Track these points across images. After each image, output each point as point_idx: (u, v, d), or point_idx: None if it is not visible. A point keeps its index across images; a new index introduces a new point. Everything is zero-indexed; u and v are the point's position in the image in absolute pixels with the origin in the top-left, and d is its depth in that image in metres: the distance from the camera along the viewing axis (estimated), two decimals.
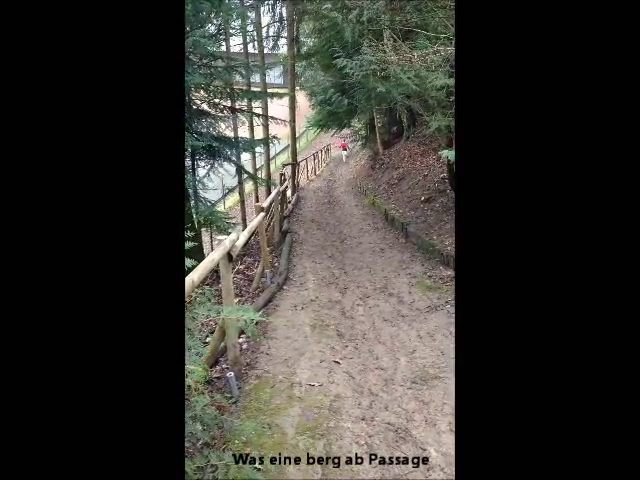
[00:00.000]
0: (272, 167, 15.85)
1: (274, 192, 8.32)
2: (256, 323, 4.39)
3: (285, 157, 18.53)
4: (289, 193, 13.14)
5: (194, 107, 7.30)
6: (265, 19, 16.15)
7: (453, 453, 2.40)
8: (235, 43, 15.60)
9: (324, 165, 22.48)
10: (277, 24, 16.27)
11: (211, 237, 8.81)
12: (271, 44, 17.17)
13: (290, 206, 11.72)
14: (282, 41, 16.76)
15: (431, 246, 6.41)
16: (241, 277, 6.61)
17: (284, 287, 5.60)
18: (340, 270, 6.43)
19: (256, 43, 14.49)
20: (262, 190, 13.99)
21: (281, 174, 11.25)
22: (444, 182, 8.53)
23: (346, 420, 2.74)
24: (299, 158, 19.22)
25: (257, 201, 12.10)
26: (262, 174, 14.57)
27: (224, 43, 10.87)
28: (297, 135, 28.53)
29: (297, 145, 30.55)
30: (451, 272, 5.56)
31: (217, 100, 7.48)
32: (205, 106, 7.49)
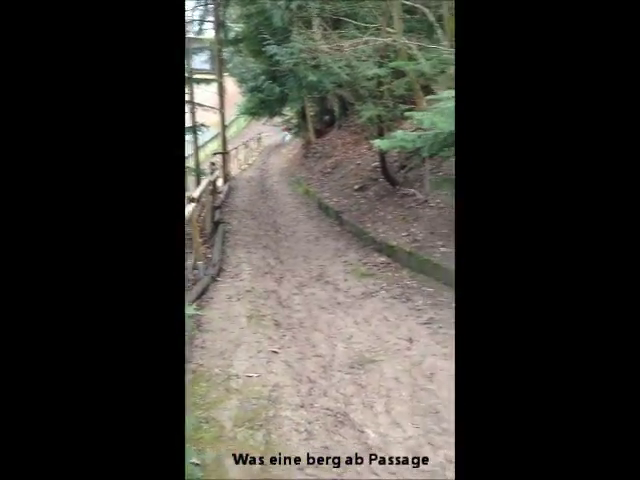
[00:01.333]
0: (201, 156, 15.45)
1: (204, 182, 8.13)
2: (189, 316, 4.30)
3: (215, 146, 18.16)
4: (220, 183, 12.87)
5: None
6: (190, 2, 15.62)
7: (390, 433, 2.47)
8: None
9: (256, 154, 22.22)
10: (202, 7, 15.78)
11: None
12: (196, 28, 16.67)
13: (222, 196, 11.51)
14: (208, 25, 16.30)
15: (365, 234, 6.52)
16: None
17: (218, 278, 5.50)
18: (275, 260, 6.40)
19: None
20: (191, 180, 13.63)
21: (211, 163, 10.99)
22: (376, 171, 8.68)
23: (285, 409, 2.74)
24: (230, 147, 18.87)
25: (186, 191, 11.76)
26: (190, 163, 14.19)
27: None
28: (227, 123, 27.92)
29: (227, 133, 29.91)
30: (385, 258, 5.69)
31: None
32: None
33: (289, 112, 17.36)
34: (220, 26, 14.31)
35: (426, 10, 5.56)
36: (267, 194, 12.52)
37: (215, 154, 14.25)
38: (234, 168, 18.15)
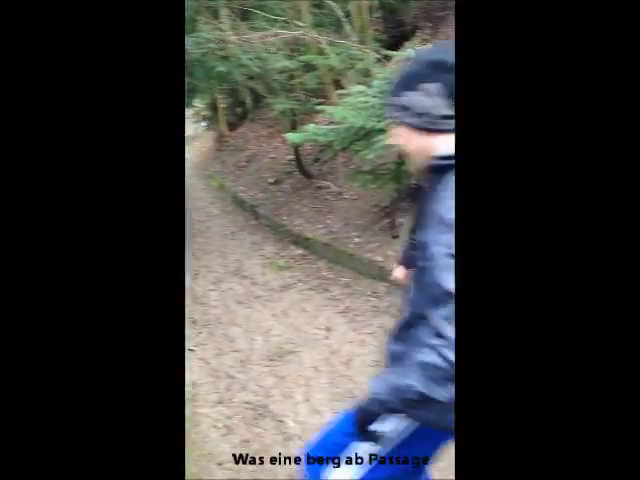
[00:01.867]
0: None
1: None
2: None
3: None
4: None
5: None
6: None
7: (308, 420, 2.53)
8: None
9: None
10: None
11: None
12: None
13: None
14: None
15: (281, 227, 6.54)
16: None
17: None
18: (189, 256, 6.26)
19: None
20: None
21: None
22: (291, 164, 8.71)
23: (203, 406, 2.71)
24: None
25: None
26: None
27: None
28: None
29: None
30: (302, 251, 5.75)
31: None
32: None
33: (200, 104, 16.94)
34: None
35: (334, 5, 5.65)
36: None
37: None
38: None
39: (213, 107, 15.86)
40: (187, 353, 3.36)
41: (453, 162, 1.06)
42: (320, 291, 4.44)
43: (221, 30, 6.31)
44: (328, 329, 3.61)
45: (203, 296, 4.70)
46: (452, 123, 1.09)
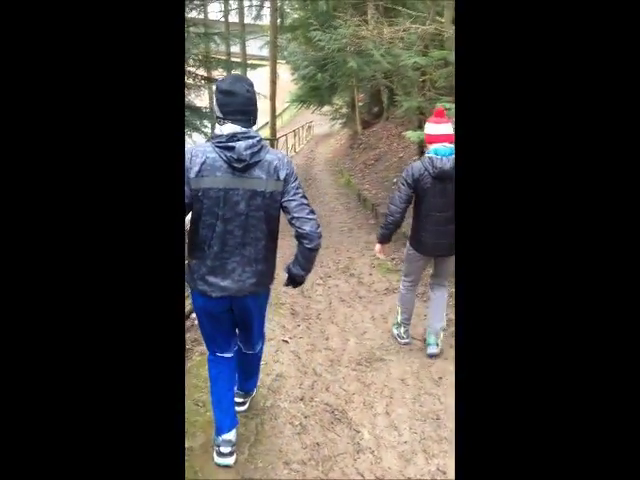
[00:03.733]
0: None
1: None
2: None
3: (267, 132, 18.31)
4: None
5: None
6: None
7: (385, 435, 2.39)
8: (213, 10, 15.12)
9: (305, 142, 22.25)
10: None
11: None
12: (254, 14, 16.72)
13: None
14: (266, 11, 16.33)
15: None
16: None
17: None
18: None
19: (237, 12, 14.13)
20: None
21: None
22: None
23: (284, 400, 2.70)
24: (280, 134, 18.93)
25: None
26: None
27: (202, 9, 10.55)
28: (280, 111, 28.03)
29: (280, 121, 30.06)
30: None
31: (191, 68, 7.25)
32: None
33: (339, 101, 17.23)
34: (277, 11, 14.26)
35: None
36: (309, 182, 12.48)
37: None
38: None
39: (352, 105, 16.05)
40: (280, 344, 3.40)
41: None
42: (424, 299, 4.22)
43: (359, 26, 6.29)
44: (424, 341, 3.41)
45: (310, 289, 4.73)
46: None
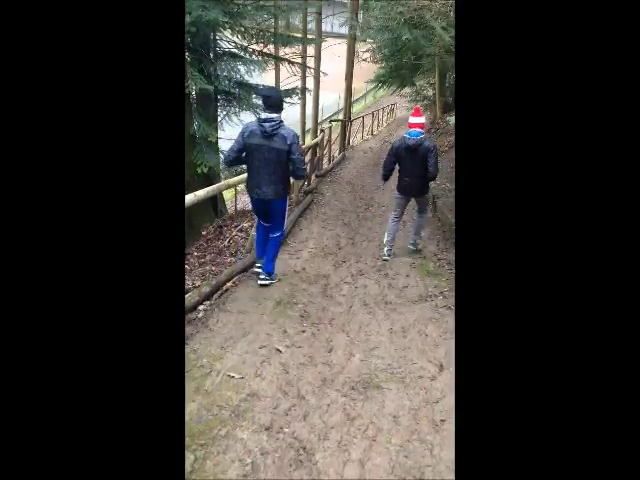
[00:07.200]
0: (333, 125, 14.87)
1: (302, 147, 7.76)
2: (219, 294, 3.99)
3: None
4: (324, 152, 12.43)
5: (217, 49, 6.81)
6: None
7: None
8: None
9: (385, 125, 21.42)
10: None
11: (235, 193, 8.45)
12: None
13: (328, 165, 11.13)
14: None
15: (451, 225, 5.69)
16: (243, 235, 6.22)
17: None
18: (348, 240, 5.88)
19: None
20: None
21: (321, 130, 10.59)
22: None
23: (245, 428, 2.27)
24: (360, 116, 18.30)
25: None
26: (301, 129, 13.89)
27: None
28: (364, 92, 27.28)
29: (364, 102, 29.30)
30: None
31: (244, 42, 6.92)
32: (230, 48, 6.96)
33: (422, 81, 16.27)
34: None
35: None
36: (378, 168, 11.80)
37: (332, 122, 13.78)
38: (359, 138, 17.65)
39: (436, 87, 15.07)
40: (270, 352, 2.97)
41: None
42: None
43: None
44: (441, 367, 2.83)
45: (334, 288, 4.27)
46: None
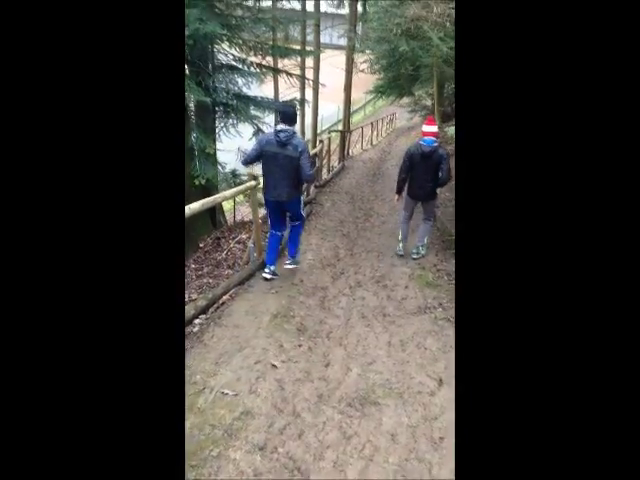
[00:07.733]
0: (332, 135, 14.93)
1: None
2: (215, 307, 3.93)
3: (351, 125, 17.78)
4: (323, 162, 12.40)
5: (215, 61, 6.81)
6: None
7: None
8: None
9: (384, 135, 21.45)
10: None
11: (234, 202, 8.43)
12: (336, 3, 16.21)
13: (328, 175, 11.10)
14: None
15: (450, 235, 5.64)
16: (241, 247, 6.17)
17: None
18: (347, 251, 5.83)
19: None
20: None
21: (320, 141, 10.58)
22: None
23: (238, 448, 2.21)
24: (357, 127, 18.32)
25: None
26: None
27: None
28: (363, 102, 27.33)
29: (363, 113, 29.34)
30: None
31: (240, 54, 6.91)
32: (228, 60, 6.96)
33: (420, 91, 16.32)
34: (356, 0, 13.65)
35: None
36: (377, 178, 11.83)
37: (331, 132, 13.79)
38: (357, 148, 17.66)
39: (434, 97, 15.10)
40: (266, 368, 2.91)
41: None
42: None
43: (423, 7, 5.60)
44: (440, 382, 2.77)
45: (332, 300, 4.21)
46: None
